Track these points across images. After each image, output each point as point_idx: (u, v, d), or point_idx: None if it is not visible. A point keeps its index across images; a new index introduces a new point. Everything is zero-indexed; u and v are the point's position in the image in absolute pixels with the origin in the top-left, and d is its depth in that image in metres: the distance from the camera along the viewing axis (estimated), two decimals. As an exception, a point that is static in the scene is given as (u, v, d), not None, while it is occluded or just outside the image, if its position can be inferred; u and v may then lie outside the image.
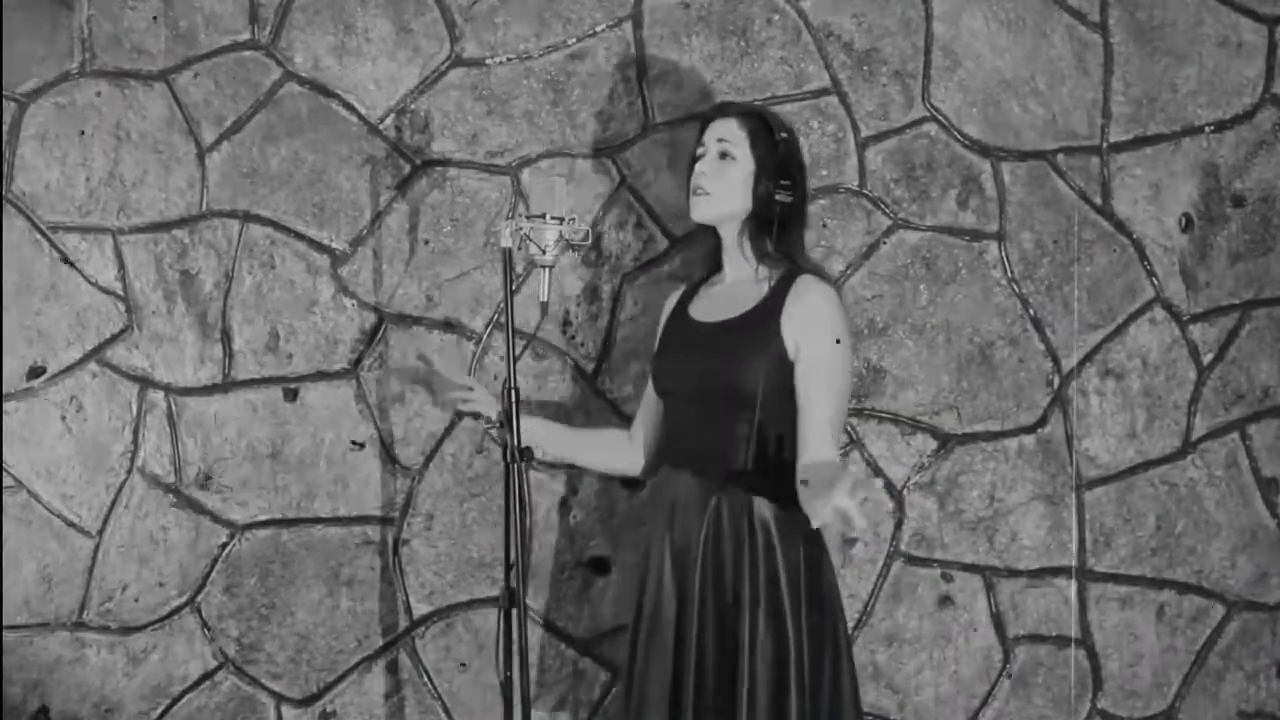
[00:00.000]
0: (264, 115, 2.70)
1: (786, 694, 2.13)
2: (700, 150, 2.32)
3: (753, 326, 2.22)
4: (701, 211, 2.31)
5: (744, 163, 2.27)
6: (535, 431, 2.44)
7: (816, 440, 2.16)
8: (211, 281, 2.70)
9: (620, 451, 2.52)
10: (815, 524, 1.97)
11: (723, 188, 2.27)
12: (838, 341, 2.19)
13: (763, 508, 2.19)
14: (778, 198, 2.25)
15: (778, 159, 2.26)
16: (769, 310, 2.22)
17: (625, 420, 2.70)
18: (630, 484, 2.74)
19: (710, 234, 2.38)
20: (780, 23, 2.75)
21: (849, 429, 2.77)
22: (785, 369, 2.19)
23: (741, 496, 2.19)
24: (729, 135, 2.28)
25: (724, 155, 2.28)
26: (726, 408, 2.20)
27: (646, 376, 2.64)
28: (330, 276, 2.71)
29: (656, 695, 2.23)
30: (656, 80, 2.74)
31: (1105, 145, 2.82)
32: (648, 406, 2.48)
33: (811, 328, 2.19)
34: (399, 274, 2.72)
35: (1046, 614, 2.82)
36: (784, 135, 2.29)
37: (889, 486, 2.78)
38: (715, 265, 2.40)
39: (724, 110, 2.36)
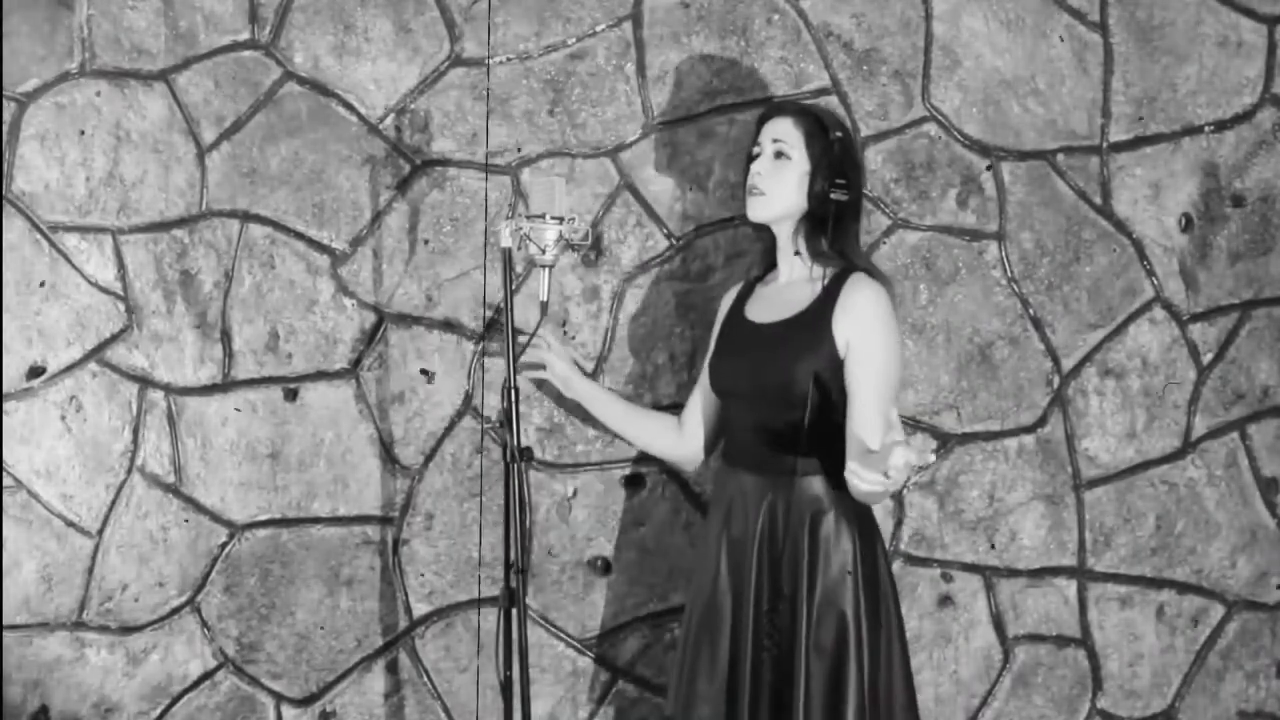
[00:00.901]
0: (264, 115, 2.70)
1: (845, 687, 2.15)
2: (756, 150, 2.34)
3: (806, 327, 2.24)
4: (757, 211, 2.32)
5: (799, 162, 2.29)
6: (592, 395, 2.55)
7: (864, 436, 2.17)
8: (211, 281, 2.70)
9: (667, 436, 2.55)
10: (865, 487, 1.95)
11: (778, 187, 2.29)
12: (881, 340, 2.21)
13: (819, 502, 2.21)
14: (833, 196, 2.27)
15: (833, 158, 2.28)
16: (821, 310, 2.24)
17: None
18: (631, 483, 2.74)
19: (766, 233, 2.40)
20: (780, 23, 2.76)
21: (849, 429, 2.77)
22: (836, 367, 2.21)
23: (797, 493, 2.21)
24: (784, 135, 2.30)
25: (779, 155, 2.30)
26: (781, 408, 2.22)
27: (648, 378, 2.65)
28: (330, 276, 2.71)
29: (708, 689, 2.26)
30: (656, 80, 2.74)
31: (1105, 145, 2.82)
32: (698, 401, 2.50)
33: (859, 325, 2.21)
34: (399, 274, 2.72)
35: (1046, 614, 2.82)
36: (839, 134, 2.30)
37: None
38: (770, 265, 2.43)
39: (780, 109, 2.37)
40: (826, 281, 2.27)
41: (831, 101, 2.75)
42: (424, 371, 2.68)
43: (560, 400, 2.72)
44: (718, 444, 2.49)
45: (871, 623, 2.20)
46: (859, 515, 2.25)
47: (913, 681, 2.28)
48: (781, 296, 2.33)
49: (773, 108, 2.41)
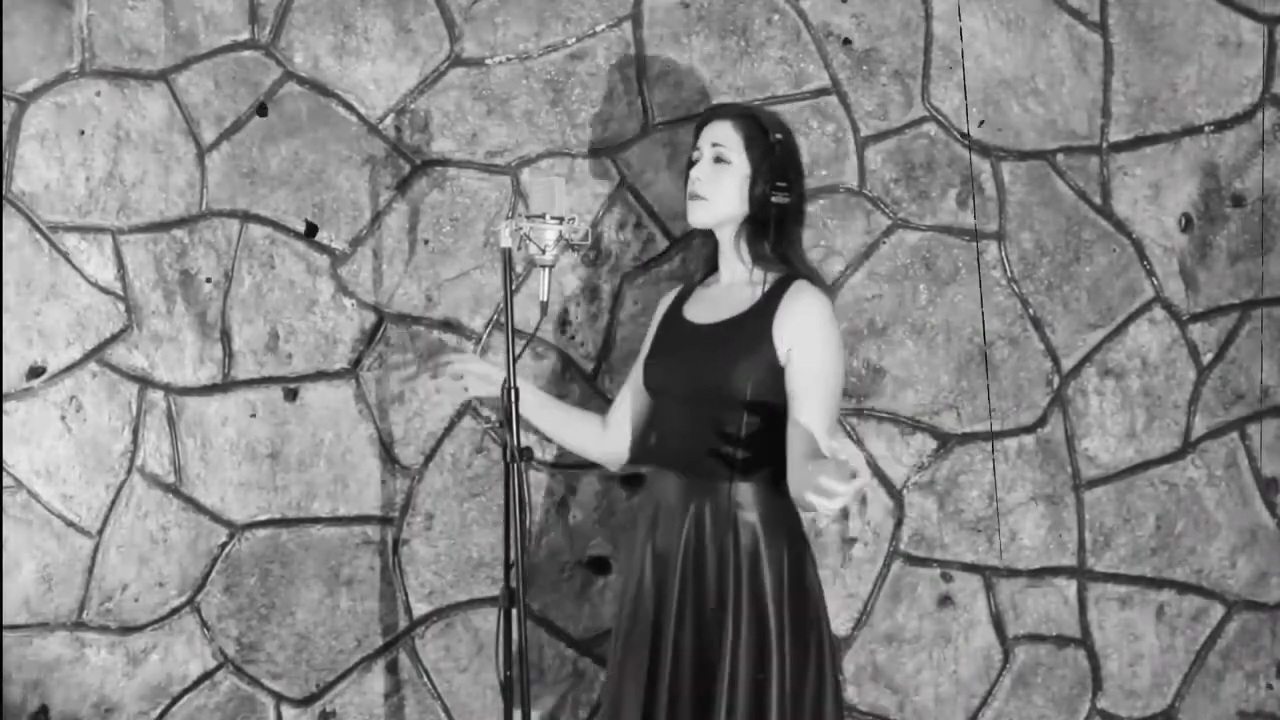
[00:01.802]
0: (264, 115, 2.70)
1: (767, 697, 2.12)
2: (696, 154, 2.31)
3: (744, 329, 2.21)
4: (698, 216, 2.30)
5: (739, 166, 2.26)
6: (523, 394, 2.43)
7: (807, 446, 2.14)
8: (211, 281, 2.70)
9: (592, 436, 2.50)
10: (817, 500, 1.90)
11: (718, 192, 2.27)
12: (826, 348, 2.18)
13: (747, 510, 2.18)
14: (774, 199, 2.24)
15: (773, 161, 2.25)
16: (762, 314, 2.21)
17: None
18: (630, 483, 2.74)
19: (707, 237, 2.38)
20: (780, 23, 2.76)
21: (849, 429, 2.77)
22: (775, 373, 2.18)
23: (725, 499, 2.18)
24: (724, 139, 2.27)
25: (719, 159, 2.27)
26: (714, 409, 2.19)
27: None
28: (330, 276, 2.71)
29: (632, 699, 2.22)
30: (656, 80, 2.74)
31: (1105, 145, 2.82)
32: (627, 399, 2.47)
33: (803, 333, 2.18)
34: (399, 274, 2.72)
35: (1046, 614, 2.82)
36: (779, 136, 2.27)
37: (889, 487, 2.78)
38: (712, 267, 2.40)
39: (718, 113, 2.34)
40: (768, 286, 2.24)
41: (831, 102, 2.76)
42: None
43: (561, 399, 2.72)
44: (645, 444, 2.45)
45: (797, 637, 2.16)
46: (789, 526, 2.22)
47: (842, 697, 2.24)
48: (722, 298, 2.31)
49: (711, 111, 2.38)
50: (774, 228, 2.26)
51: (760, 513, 2.18)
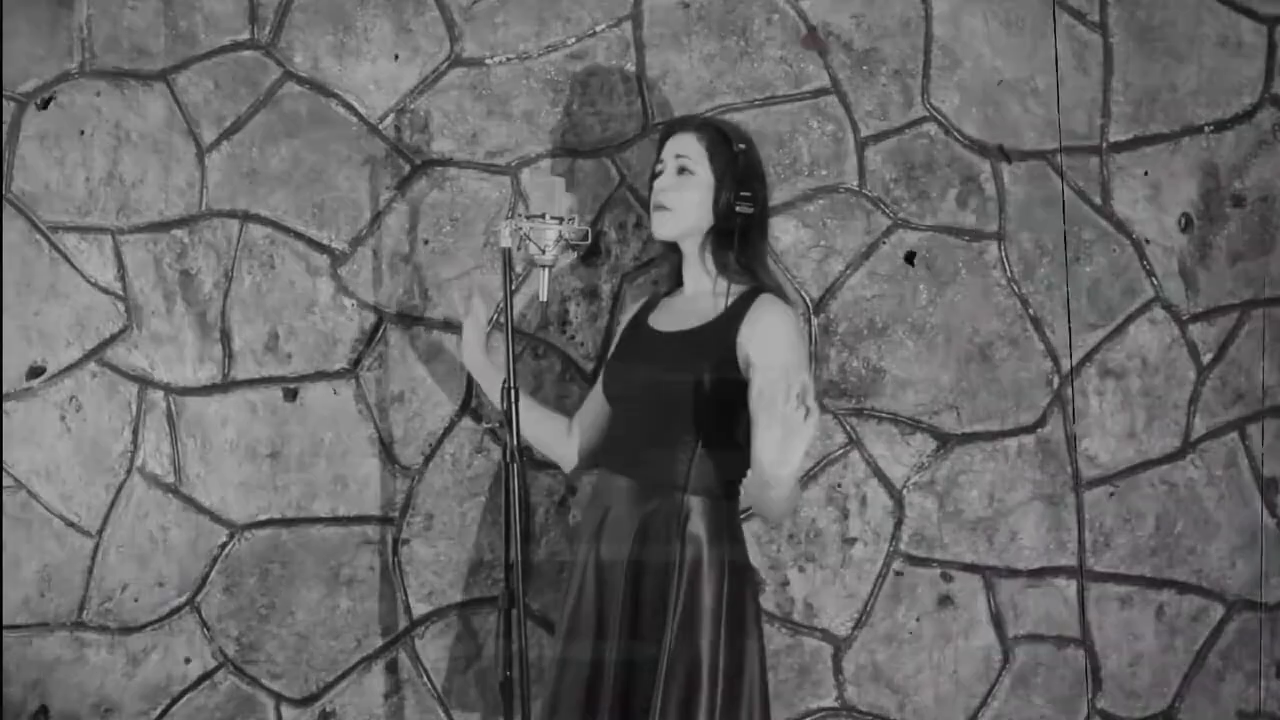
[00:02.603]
0: (264, 115, 2.70)
1: (696, 708, 2.11)
2: (659, 166, 2.32)
3: (707, 339, 2.21)
4: (664, 228, 2.30)
5: (703, 177, 2.27)
6: (484, 371, 2.46)
7: (776, 459, 2.03)
8: (211, 281, 2.70)
9: (558, 436, 2.50)
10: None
11: (683, 202, 2.27)
12: (790, 368, 2.14)
13: (696, 521, 2.18)
14: (738, 209, 2.24)
15: (737, 171, 2.25)
16: (725, 324, 2.20)
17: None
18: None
19: (672, 249, 2.38)
20: (780, 22, 2.75)
21: (849, 429, 2.77)
22: (734, 385, 2.16)
23: (676, 508, 2.17)
24: (687, 150, 2.28)
25: (683, 170, 2.28)
26: (671, 417, 2.18)
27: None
28: (330, 276, 2.72)
29: (569, 705, 2.22)
30: (656, 80, 2.74)
31: (1105, 145, 2.82)
32: (590, 407, 2.47)
33: (767, 346, 2.16)
34: (399, 274, 2.72)
35: (1046, 614, 2.82)
36: (742, 146, 2.28)
37: (889, 487, 2.78)
38: (677, 279, 2.41)
39: (681, 125, 2.34)
40: (732, 298, 2.23)
41: (831, 101, 2.76)
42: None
43: (561, 400, 2.72)
44: (592, 451, 2.46)
45: (731, 646, 2.15)
46: (733, 542, 2.22)
47: (770, 709, 2.23)
48: (685, 307, 2.31)
49: (674, 124, 2.38)
50: (738, 238, 2.26)
51: (707, 525, 2.18)
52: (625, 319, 2.46)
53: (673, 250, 2.40)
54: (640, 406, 2.25)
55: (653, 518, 2.19)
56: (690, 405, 2.16)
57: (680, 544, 2.16)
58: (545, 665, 2.73)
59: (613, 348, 2.44)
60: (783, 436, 1.97)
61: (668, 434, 2.19)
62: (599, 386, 2.45)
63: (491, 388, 2.50)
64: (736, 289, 2.25)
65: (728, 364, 2.17)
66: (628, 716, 2.16)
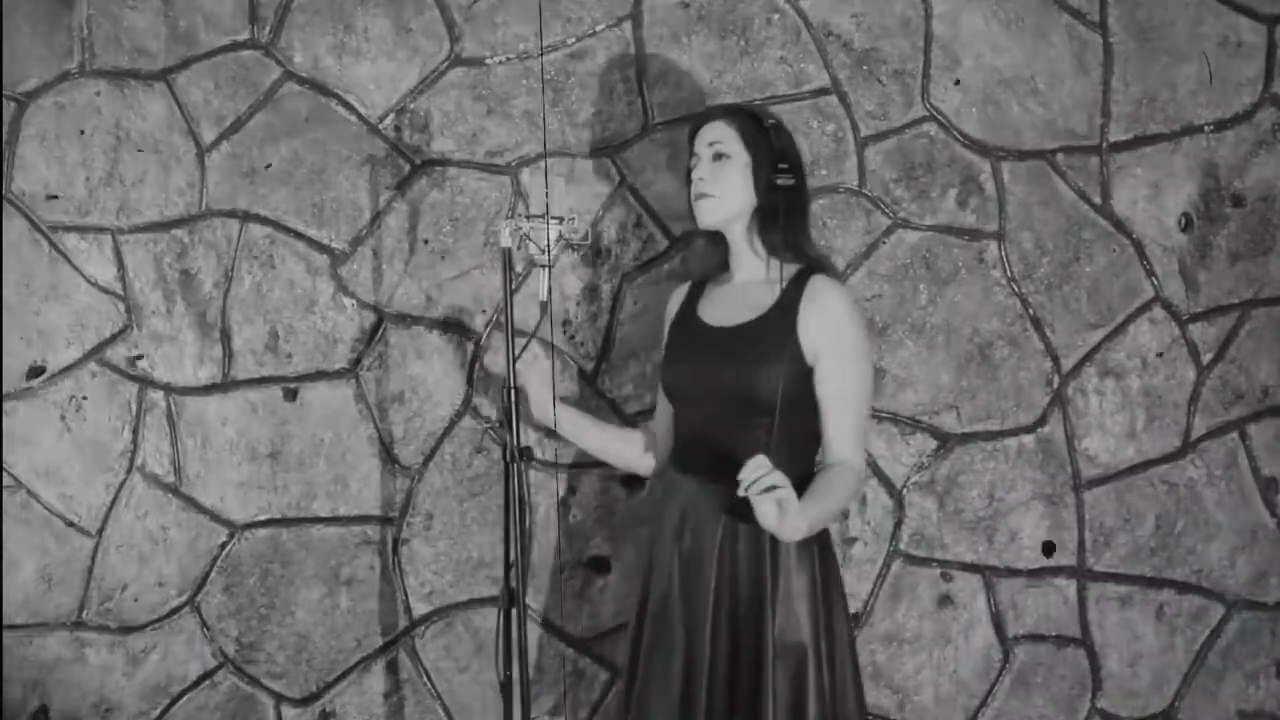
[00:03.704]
0: (264, 115, 2.70)
1: (806, 692, 2.12)
2: (693, 160, 2.30)
3: (768, 331, 2.19)
4: (708, 215, 2.28)
5: (739, 157, 2.25)
6: (563, 418, 2.45)
7: (842, 443, 2.16)
8: (211, 281, 2.70)
9: (635, 454, 2.48)
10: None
11: (724, 187, 2.26)
12: (854, 349, 2.18)
13: None
14: (779, 183, 2.23)
15: (772, 147, 2.25)
16: (784, 314, 2.19)
17: (625, 419, 2.71)
18: (630, 483, 2.74)
19: (714, 240, 2.36)
20: (780, 22, 2.76)
21: (849, 429, 2.77)
22: (803, 373, 2.17)
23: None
24: (719, 136, 2.27)
25: (718, 156, 2.26)
26: (743, 414, 2.17)
27: (656, 377, 2.63)
28: (330, 276, 2.72)
29: (661, 705, 2.22)
30: (656, 80, 2.74)
31: (1105, 145, 2.82)
32: (664, 409, 2.44)
33: (830, 331, 2.17)
34: (399, 274, 2.72)
35: (1046, 614, 2.82)
36: (772, 122, 2.27)
37: (889, 486, 2.78)
38: (721, 268, 2.38)
39: (707, 115, 2.33)
40: (785, 283, 2.22)
41: (831, 101, 2.76)
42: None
43: (561, 399, 2.72)
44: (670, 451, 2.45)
45: (828, 629, 2.17)
46: (821, 530, 2.23)
47: (862, 687, 2.25)
48: (738, 298, 2.29)
49: (700, 116, 2.36)
50: (783, 214, 2.24)
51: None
52: (671, 313, 2.42)
53: (713, 241, 2.37)
54: (707, 406, 2.23)
55: (735, 516, 2.18)
56: (759, 400, 2.15)
57: (770, 540, 2.16)
58: (545, 665, 2.74)
59: (665, 347, 2.39)
60: (854, 420, 2.13)
61: (738, 431, 2.18)
62: (661, 389, 2.42)
63: (564, 424, 2.48)
64: (788, 271, 2.24)
65: (791, 354, 2.16)
66: (732, 712, 2.16)
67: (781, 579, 2.15)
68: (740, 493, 1.96)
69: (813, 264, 2.25)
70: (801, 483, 2.13)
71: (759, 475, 1.95)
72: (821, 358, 2.16)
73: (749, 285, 2.29)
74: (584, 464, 2.73)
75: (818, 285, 2.21)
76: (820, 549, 2.21)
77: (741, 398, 2.17)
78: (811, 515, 2.05)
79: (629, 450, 2.48)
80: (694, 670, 2.19)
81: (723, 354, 2.23)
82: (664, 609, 2.25)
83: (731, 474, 2.13)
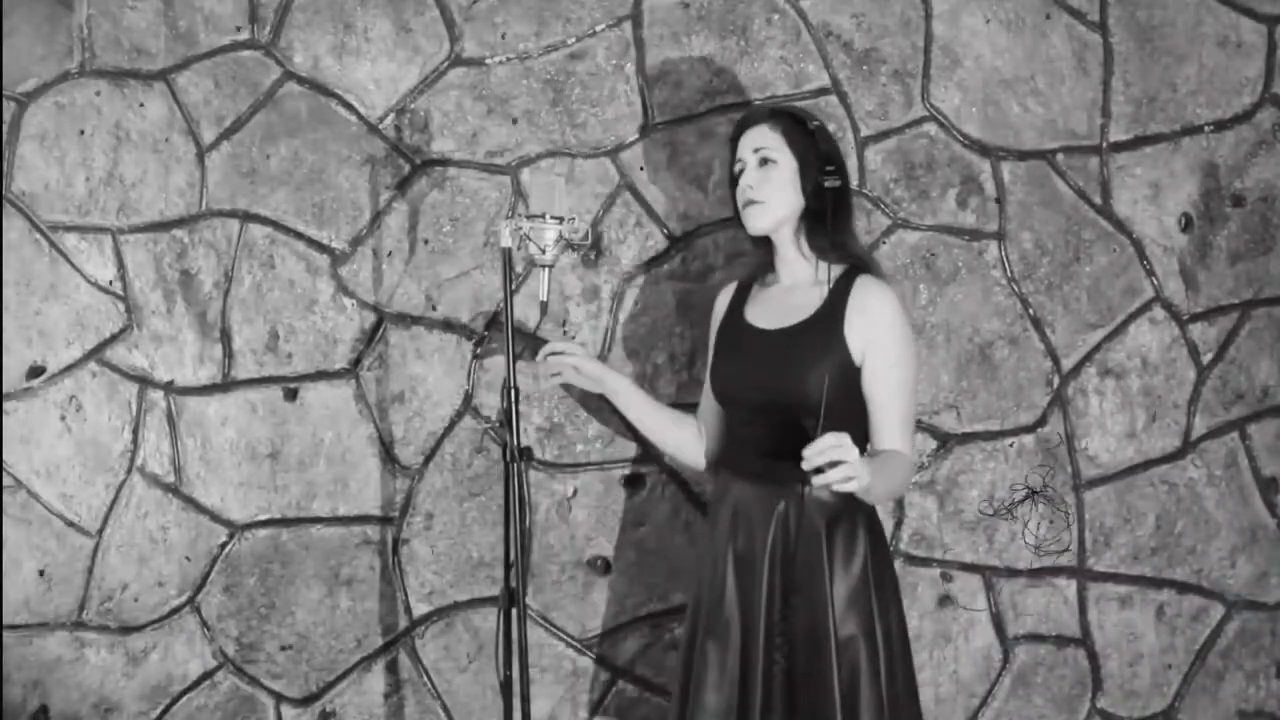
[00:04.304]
0: (264, 115, 2.70)
1: (860, 682, 2.14)
2: (739, 166, 2.30)
3: (816, 333, 2.20)
4: (758, 222, 2.28)
5: (786, 162, 2.26)
6: (621, 390, 2.46)
7: (891, 438, 2.17)
8: (211, 281, 2.70)
9: (691, 440, 2.49)
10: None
11: (773, 192, 2.26)
12: (901, 349, 2.19)
13: (831, 510, 2.19)
14: (826, 185, 2.24)
15: (818, 150, 2.25)
16: (831, 315, 2.20)
17: (624, 419, 2.71)
18: (631, 483, 2.74)
19: (759, 241, 2.36)
20: (780, 22, 2.76)
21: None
22: (851, 374, 2.18)
23: (807, 504, 2.18)
24: (764, 142, 2.27)
25: (765, 161, 2.26)
26: (791, 416, 2.18)
27: (647, 378, 2.63)
28: (330, 276, 2.72)
29: (716, 701, 2.22)
30: (656, 80, 2.74)
31: (1105, 145, 2.82)
32: (709, 405, 2.46)
33: (877, 331, 2.18)
34: (399, 274, 2.72)
35: (1046, 614, 2.82)
36: (815, 124, 2.28)
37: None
38: (765, 267, 2.39)
39: (751, 119, 2.33)
40: (832, 284, 2.23)
41: (831, 101, 2.75)
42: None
43: (560, 400, 2.72)
44: (714, 451, 2.47)
45: (884, 620, 2.19)
46: (869, 516, 2.24)
47: (914, 675, 2.27)
48: (785, 300, 2.29)
49: (742, 121, 2.35)
50: (830, 215, 2.25)
51: (844, 508, 2.19)
52: (717, 314, 2.42)
53: (758, 244, 2.37)
54: (757, 408, 2.24)
55: (788, 516, 2.19)
56: (808, 402, 2.15)
57: (825, 535, 2.17)
58: (545, 665, 2.74)
59: (713, 349, 2.40)
60: (902, 416, 2.17)
61: (787, 433, 2.17)
62: (707, 385, 2.43)
63: (616, 387, 2.49)
64: (835, 272, 2.24)
65: (840, 355, 2.18)
66: (793, 709, 2.17)
67: (840, 574, 2.17)
68: (808, 467, 1.92)
69: (858, 264, 2.26)
70: None
71: (831, 458, 1.92)
72: (869, 356, 2.18)
73: (796, 288, 2.30)
74: (584, 464, 2.73)
75: (864, 286, 2.22)
76: (872, 542, 2.22)
77: (790, 400, 2.18)
78: (879, 481, 2.04)
79: (685, 434, 2.49)
80: (749, 670, 2.20)
81: (771, 357, 2.24)
82: (719, 610, 2.25)
83: (781, 475, 2.18)
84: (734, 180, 2.32)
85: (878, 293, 2.21)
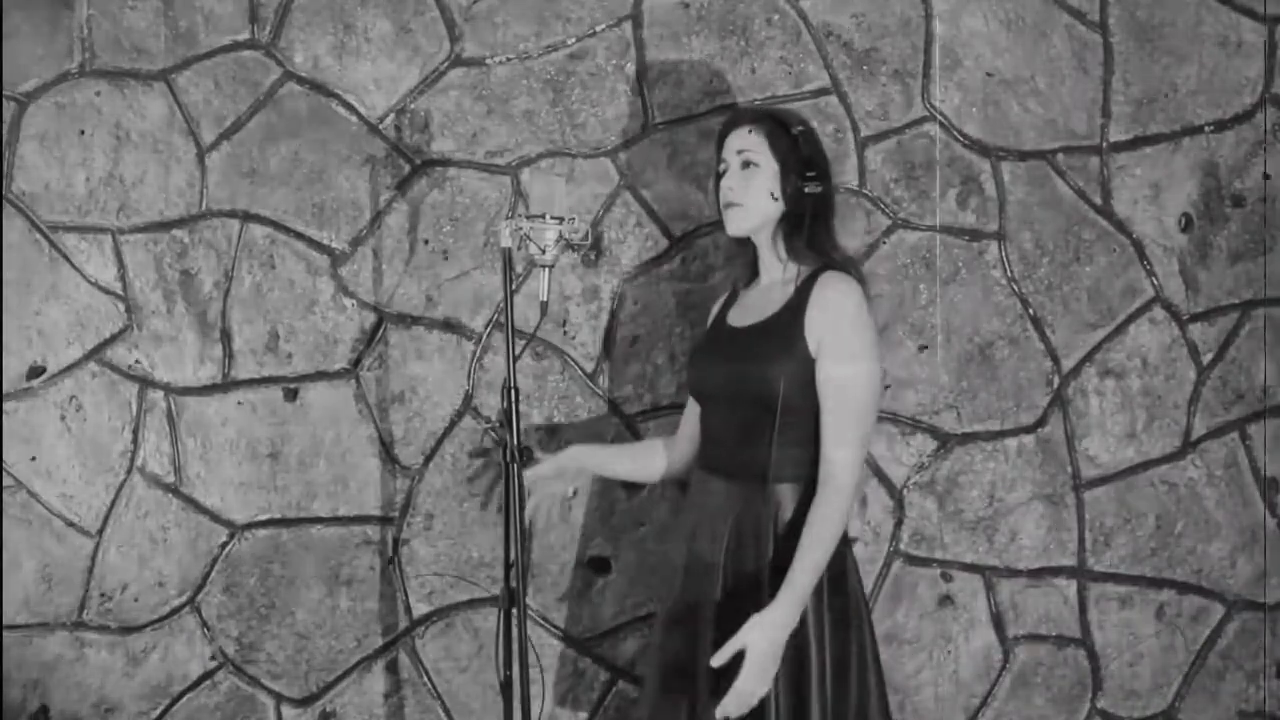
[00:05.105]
0: (264, 115, 2.70)
1: (807, 698, 2.12)
2: (722, 166, 2.32)
3: (778, 328, 2.21)
4: (738, 224, 2.30)
5: (767, 166, 2.26)
6: (583, 458, 2.52)
7: (835, 440, 2.15)
8: (211, 281, 2.70)
9: (658, 466, 2.52)
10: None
11: (752, 196, 2.27)
12: (855, 343, 2.18)
13: (786, 512, 2.18)
14: (806, 191, 2.25)
15: (800, 155, 2.26)
16: (793, 310, 2.21)
17: (625, 420, 2.71)
18: (630, 485, 2.74)
19: (745, 245, 2.38)
20: (780, 22, 2.75)
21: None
22: (809, 370, 2.18)
23: (766, 503, 2.18)
24: (748, 144, 2.27)
25: (747, 164, 2.27)
26: (752, 411, 2.19)
27: (647, 378, 2.64)
28: (330, 276, 2.72)
29: (666, 706, 2.23)
30: (656, 80, 2.74)
31: (1105, 145, 2.82)
32: (692, 410, 2.48)
33: (832, 323, 2.17)
34: (399, 274, 2.72)
35: (1046, 614, 2.82)
36: (801, 129, 2.29)
37: (889, 486, 2.78)
38: (754, 273, 2.40)
39: (737, 120, 2.34)
40: (799, 281, 2.24)
41: (831, 101, 2.75)
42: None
43: (560, 401, 2.72)
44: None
45: (836, 638, 2.17)
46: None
47: (885, 686, 2.25)
48: (760, 299, 2.31)
49: (729, 121, 2.36)
50: (809, 219, 2.26)
51: (799, 510, 2.18)
52: (710, 320, 2.47)
53: (744, 245, 2.39)
54: (725, 403, 2.26)
55: (744, 516, 2.20)
56: (769, 396, 2.16)
57: (775, 537, 2.17)
58: (545, 665, 2.74)
59: (695, 347, 2.45)
60: (851, 416, 2.14)
61: (753, 427, 2.19)
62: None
63: (592, 466, 2.56)
64: (804, 271, 2.25)
65: (800, 348, 2.18)
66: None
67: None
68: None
69: (830, 263, 2.26)
70: (810, 479, 2.16)
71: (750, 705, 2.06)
72: (823, 349, 2.17)
73: (772, 287, 2.32)
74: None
75: (827, 280, 2.22)
76: (833, 555, 2.19)
77: (749, 394, 2.19)
78: (797, 599, 2.08)
79: (653, 466, 2.53)
80: (698, 670, 2.18)
81: (736, 352, 2.26)
82: (674, 607, 2.28)
83: (743, 470, 2.19)
84: (717, 180, 2.34)
85: (839, 287, 2.20)
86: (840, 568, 2.20)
